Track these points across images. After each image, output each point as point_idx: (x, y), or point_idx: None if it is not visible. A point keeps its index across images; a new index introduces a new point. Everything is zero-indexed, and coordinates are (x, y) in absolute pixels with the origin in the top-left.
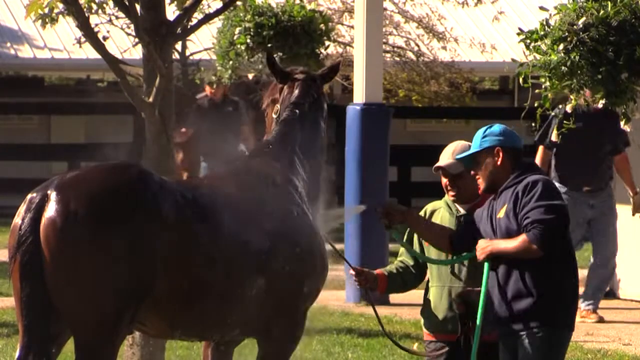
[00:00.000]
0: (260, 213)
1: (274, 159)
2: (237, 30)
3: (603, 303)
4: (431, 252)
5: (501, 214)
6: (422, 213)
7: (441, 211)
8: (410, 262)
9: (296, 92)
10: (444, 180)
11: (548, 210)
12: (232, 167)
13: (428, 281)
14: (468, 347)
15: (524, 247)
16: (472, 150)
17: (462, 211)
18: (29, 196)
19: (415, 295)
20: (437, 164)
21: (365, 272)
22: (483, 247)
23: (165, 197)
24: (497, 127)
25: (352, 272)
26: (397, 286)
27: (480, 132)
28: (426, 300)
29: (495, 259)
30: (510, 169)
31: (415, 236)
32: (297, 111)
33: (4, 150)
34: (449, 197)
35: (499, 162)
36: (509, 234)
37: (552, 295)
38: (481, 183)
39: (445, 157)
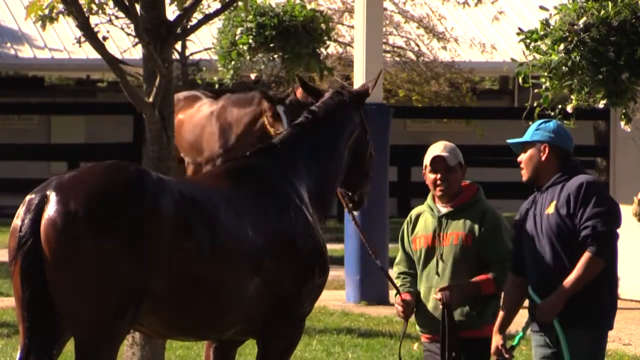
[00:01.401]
0: (256, 213)
1: (275, 159)
2: (239, 30)
3: None
4: (421, 257)
5: (550, 209)
6: (407, 219)
7: (425, 215)
8: (411, 270)
9: (318, 102)
10: (433, 176)
11: (607, 219)
12: (229, 165)
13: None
14: (445, 343)
15: (591, 267)
16: (522, 139)
17: (443, 211)
18: (27, 197)
19: None
20: (436, 154)
21: (409, 302)
22: (549, 308)
23: (164, 196)
24: (552, 123)
25: (400, 307)
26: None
27: (535, 124)
28: (419, 302)
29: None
30: (555, 167)
31: (406, 239)
32: (309, 116)
33: (4, 150)
34: (436, 192)
35: (543, 158)
36: (559, 231)
37: (602, 297)
38: (524, 173)
39: (438, 151)
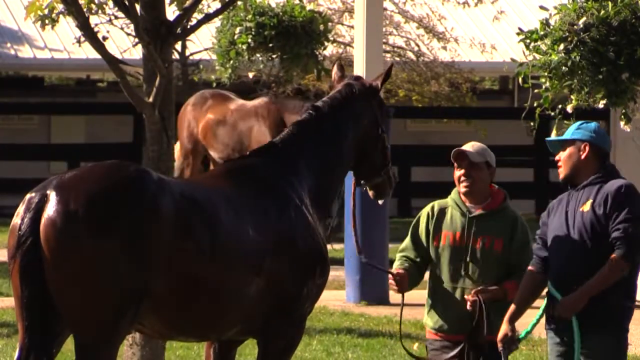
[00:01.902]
0: (256, 213)
1: (275, 159)
2: (238, 29)
3: None
4: (444, 254)
5: (586, 207)
6: (428, 212)
7: (450, 211)
8: (416, 259)
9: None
10: (459, 173)
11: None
12: (229, 165)
13: (431, 281)
14: (476, 345)
15: (616, 269)
16: (563, 137)
17: (474, 212)
18: (27, 196)
19: (414, 295)
20: (459, 149)
21: (402, 274)
22: (570, 304)
23: (164, 196)
24: (593, 124)
25: (392, 280)
26: (413, 283)
27: (576, 124)
28: (435, 301)
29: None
30: (593, 167)
31: (423, 230)
32: (312, 113)
33: (4, 150)
34: (461, 188)
35: (583, 156)
36: (593, 229)
37: (623, 300)
38: (561, 171)
39: (462, 147)
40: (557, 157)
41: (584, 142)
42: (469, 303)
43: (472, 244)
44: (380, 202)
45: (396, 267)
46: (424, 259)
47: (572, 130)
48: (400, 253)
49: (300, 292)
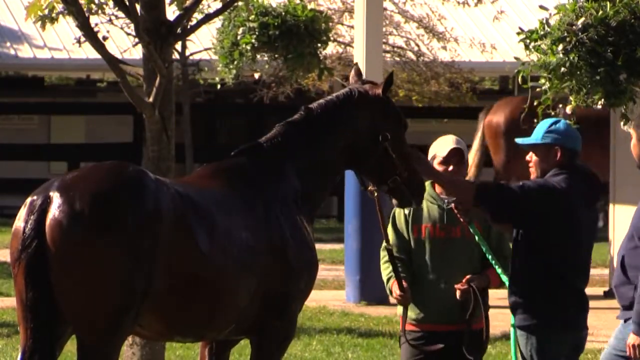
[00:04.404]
0: (246, 213)
1: (262, 158)
2: (241, 30)
3: (603, 303)
4: (425, 246)
5: None
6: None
7: (425, 203)
8: (402, 255)
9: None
10: (443, 168)
11: None
12: (218, 165)
13: (413, 274)
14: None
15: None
16: (532, 141)
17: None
18: (29, 199)
19: None
20: (455, 147)
21: (407, 289)
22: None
23: (164, 197)
24: (562, 123)
25: (398, 292)
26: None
27: (546, 124)
28: (416, 292)
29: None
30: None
31: (403, 224)
32: (302, 113)
33: (4, 150)
34: None
35: (557, 159)
36: None
37: None
38: (533, 172)
39: (453, 144)
40: (527, 159)
41: (554, 146)
42: (459, 292)
43: (452, 234)
44: (405, 209)
45: (401, 278)
46: (409, 252)
47: (542, 133)
48: (391, 252)
49: (291, 291)
